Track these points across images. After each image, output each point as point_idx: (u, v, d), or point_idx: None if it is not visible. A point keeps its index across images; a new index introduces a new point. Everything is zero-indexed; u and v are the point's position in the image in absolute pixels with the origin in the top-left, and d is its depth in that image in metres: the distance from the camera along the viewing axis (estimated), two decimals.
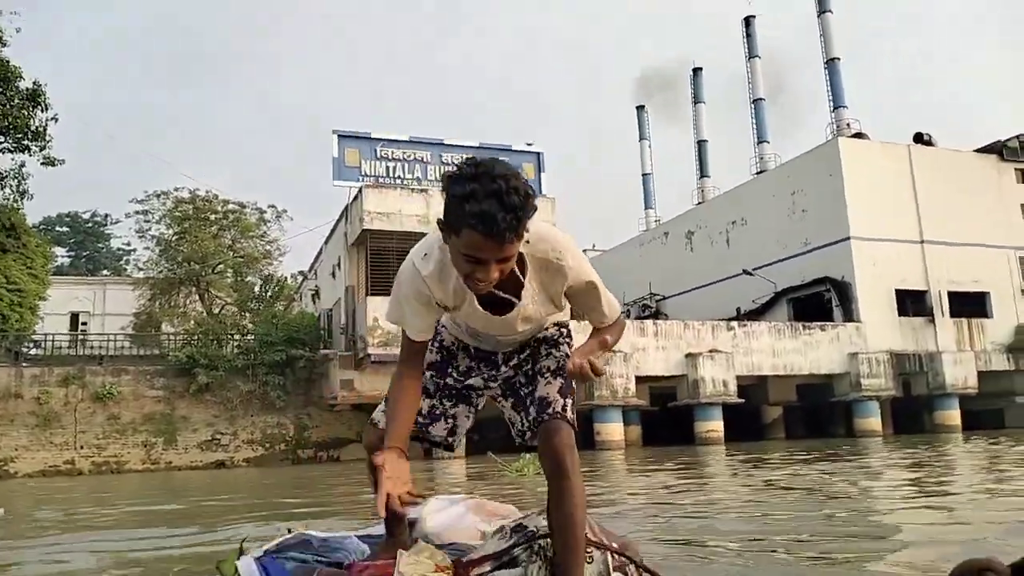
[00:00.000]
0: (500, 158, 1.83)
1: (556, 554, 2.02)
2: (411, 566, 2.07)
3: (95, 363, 22.99)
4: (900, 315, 29.90)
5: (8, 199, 23.28)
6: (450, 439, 2.33)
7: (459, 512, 2.78)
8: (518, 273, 1.94)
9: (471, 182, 1.69)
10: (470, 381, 2.30)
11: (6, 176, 22.91)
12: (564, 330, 2.27)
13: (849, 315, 29.34)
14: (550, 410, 2.08)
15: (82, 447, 21.03)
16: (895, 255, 30.20)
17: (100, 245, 58.62)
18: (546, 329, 2.25)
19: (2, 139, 22.77)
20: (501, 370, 2.27)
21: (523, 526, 2.22)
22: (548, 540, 2.11)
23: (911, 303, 30.39)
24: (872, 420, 26.95)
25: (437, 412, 2.27)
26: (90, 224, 58.23)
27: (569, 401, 2.12)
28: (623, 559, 2.20)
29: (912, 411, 29.12)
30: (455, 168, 1.77)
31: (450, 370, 2.30)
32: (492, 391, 2.32)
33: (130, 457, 21.24)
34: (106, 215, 58.25)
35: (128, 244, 55.27)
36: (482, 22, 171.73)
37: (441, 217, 1.78)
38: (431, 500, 2.79)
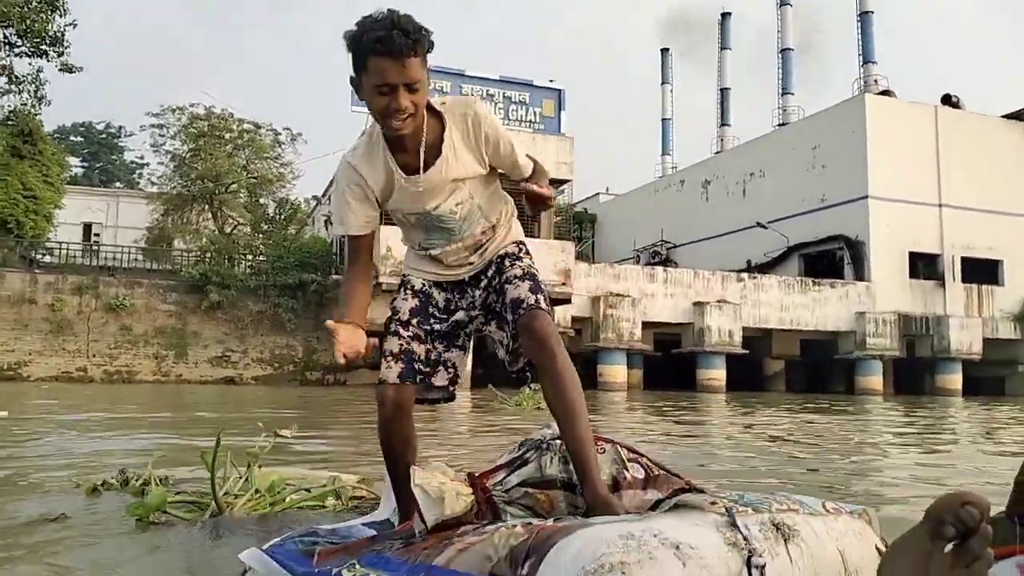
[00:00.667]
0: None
1: (566, 438, 2.07)
2: (426, 478, 2.06)
3: (107, 274, 23.19)
4: (911, 277, 29.89)
5: (25, 104, 23.15)
6: (452, 388, 2.37)
7: None
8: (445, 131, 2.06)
9: (365, 21, 1.86)
10: (455, 317, 2.32)
11: (23, 81, 22.72)
12: (523, 247, 2.33)
13: (860, 274, 29.31)
14: (524, 305, 2.12)
15: (94, 355, 21.37)
16: (911, 217, 30.00)
17: (114, 157, 58.39)
18: (506, 246, 2.29)
19: (20, 43, 22.51)
20: (476, 294, 2.31)
21: (532, 438, 2.27)
22: (558, 441, 2.17)
23: (923, 266, 30.34)
24: (874, 379, 27.19)
25: (433, 357, 2.29)
26: (104, 135, 57.90)
27: (541, 296, 2.16)
28: (635, 454, 2.23)
29: (914, 372, 29.35)
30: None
31: (431, 310, 2.32)
32: (477, 322, 2.34)
33: (141, 368, 21.60)
34: (120, 127, 57.93)
35: (142, 157, 55.02)
36: None
37: (352, 76, 1.91)
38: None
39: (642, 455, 2.25)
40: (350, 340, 1.95)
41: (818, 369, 30.04)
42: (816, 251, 31.72)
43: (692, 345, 25.82)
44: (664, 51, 60.14)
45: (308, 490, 2.77)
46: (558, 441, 2.18)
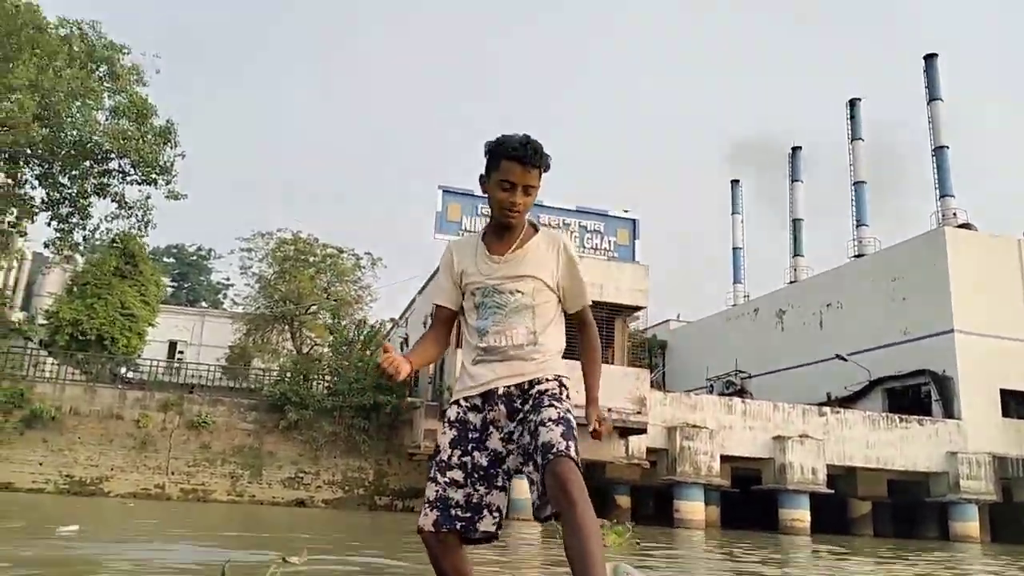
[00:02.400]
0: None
1: None
2: None
3: (187, 390, 23.85)
4: (1004, 416, 28.46)
5: (133, 228, 24.68)
6: (498, 531, 2.41)
7: None
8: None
9: (506, 137, 2.40)
10: (492, 445, 2.38)
11: (133, 207, 24.31)
12: (564, 388, 2.43)
13: (949, 411, 28.05)
14: (554, 450, 2.19)
15: (173, 472, 21.70)
16: (1002, 352, 28.89)
17: (201, 278, 61.34)
18: (548, 381, 2.39)
19: (133, 172, 24.24)
20: (511, 427, 2.38)
21: None
22: None
23: (1016, 404, 28.91)
24: (971, 525, 25.51)
25: (475, 501, 2.35)
26: (194, 257, 61.10)
27: (572, 443, 2.23)
28: None
29: (1012, 519, 27.42)
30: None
31: (469, 435, 2.40)
32: (515, 460, 2.38)
33: (217, 487, 21.78)
34: (210, 250, 61.18)
35: (227, 279, 57.64)
36: (582, 86, 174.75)
37: (482, 174, 2.44)
38: None
39: None
40: (397, 363, 2.28)
41: (908, 512, 28.31)
42: (900, 386, 30.61)
43: (773, 482, 24.75)
44: (734, 182, 60.98)
45: None
46: None
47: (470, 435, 2.41)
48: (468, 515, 2.35)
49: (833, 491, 25.15)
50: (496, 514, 2.39)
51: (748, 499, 26.36)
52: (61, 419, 21.40)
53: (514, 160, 2.35)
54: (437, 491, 2.35)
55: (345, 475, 22.89)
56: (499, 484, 2.40)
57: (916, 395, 30.00)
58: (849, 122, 50.78)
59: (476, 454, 2.39)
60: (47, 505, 14.94)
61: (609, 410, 21.40)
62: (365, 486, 22.97)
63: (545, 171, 2.42)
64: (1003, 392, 28.65)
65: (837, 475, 25.90)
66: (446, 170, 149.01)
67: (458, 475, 2.36)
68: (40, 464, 20.92)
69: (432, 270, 26.59)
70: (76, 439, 21.44)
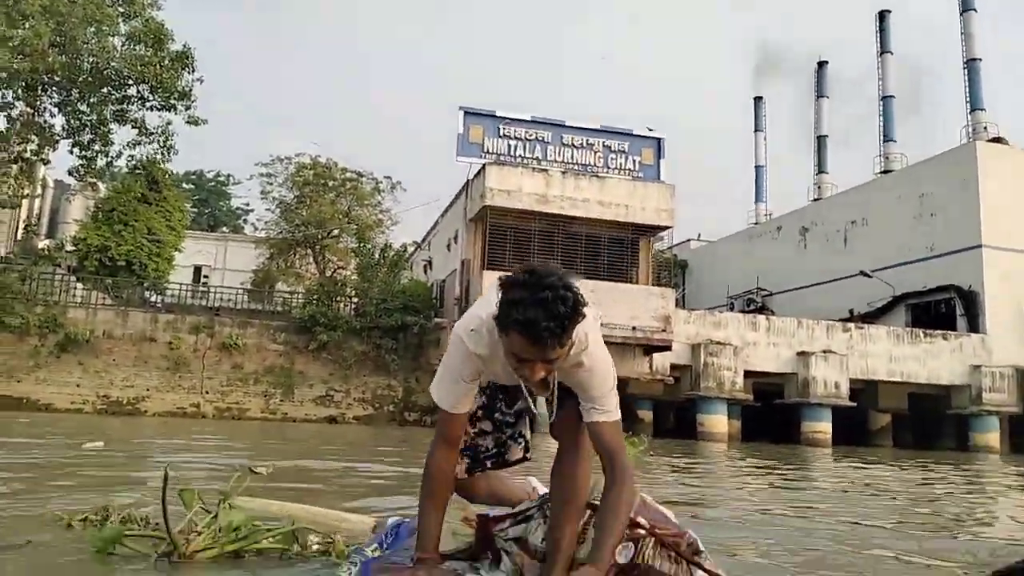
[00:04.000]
0: (551, 270, 1.89)
1: (552, 522, 2.17)
2: None
3: (214, 313, 24.24)
4: None
5: (155, 154, 24.67)
6: (527, 454, 2.52)
7: None
8: None
9: (522, 289, 1.81)
10: (518, 405, 2.47)
11: (154, 133, 24.26)
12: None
13: (974, 326, 28.01)
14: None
15: (207, 392, 22.24)
16: None
17: (221, 203, 61.50)
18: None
19: (151, 98, 24.09)
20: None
21: (545, 494, 2.41)
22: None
23: None
24: (991, 436, 25.79)
25: (502, 440, 2.46)
26: (213, 183, 61.15)
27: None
28: (644, 532, 2.17)
29: None
30: (512, 273, 1.89)
31: (498, 404, 2.46)
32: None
33: (251, 405, 22.34)
34: (228, 175, 61.10)
35: (247, 204, 57.69)
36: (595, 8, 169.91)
37: (496, 313, 1.90)
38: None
39: (667, 546, 2.12)
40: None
41: (927, 424, 28.58)
42: (925, 301, 30.51)
43: (796, 396, 25.04)
44: (757, 99, 59.62)
45: (269, 530, 2.70)
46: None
47: (497, 404, 2.48)
48: (496, 451, 2.47)
49: (855, 404, 25.41)
50: (521, 440, 2.50)
51: (768, 412, 26.70)
52: (95, 342, 21.84)
53: (523, 336, 1.82)
54: (466, 440, 2.39)
55: (375, 393, 23.38)
56: (522, 415, 2.50)
57: (940, 310, 29.93)
58: (878, 35, 49.20)
59: (504, 408, 2.47)
60: (85, 423, 15.41)
61: (634, 328, 21.59)
62: (394, 403, 23.47)
63: (570, 338, 1.88)
64: None
65: (857, 388, 26.11)
66: (457, 90, 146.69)
67: (487, 426, 2.46)
68: (77, 386, 21.46)
69: (455, 192, 26.45)
70: (111, 361, 21.93)
